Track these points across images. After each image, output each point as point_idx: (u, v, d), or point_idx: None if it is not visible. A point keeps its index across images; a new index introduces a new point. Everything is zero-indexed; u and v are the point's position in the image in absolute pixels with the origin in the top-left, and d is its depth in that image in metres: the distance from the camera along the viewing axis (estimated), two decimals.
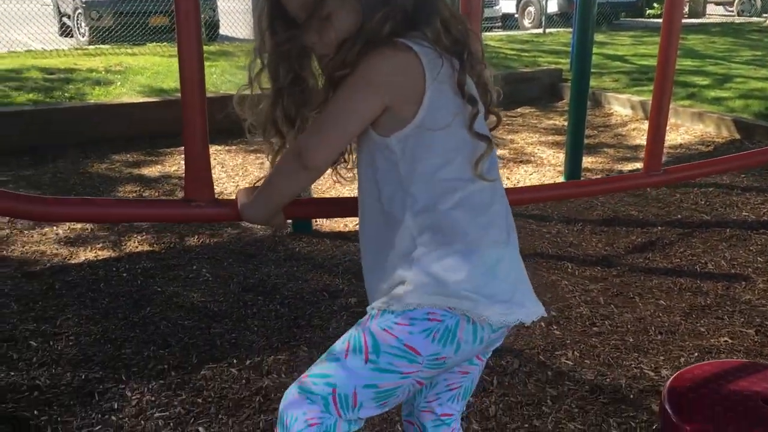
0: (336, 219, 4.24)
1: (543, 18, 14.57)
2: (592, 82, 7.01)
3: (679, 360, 2.79)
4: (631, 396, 2.54)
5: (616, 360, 2.78)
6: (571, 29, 10.16)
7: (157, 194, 4.81)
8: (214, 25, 11.23)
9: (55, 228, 4.07)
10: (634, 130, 6.74)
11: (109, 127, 5.94)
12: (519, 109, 7.70)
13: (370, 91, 1.32)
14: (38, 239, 3.91)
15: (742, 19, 18.57)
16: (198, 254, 3.76)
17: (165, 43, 9.77)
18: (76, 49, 9.76)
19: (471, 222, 1.36)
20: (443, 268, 1.33)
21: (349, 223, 4.14)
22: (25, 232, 4.01)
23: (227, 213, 1.56)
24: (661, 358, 2.80)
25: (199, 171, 1.53)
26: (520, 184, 5.13)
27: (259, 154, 5.43)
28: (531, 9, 16.69)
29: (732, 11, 20.47)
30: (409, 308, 1.33)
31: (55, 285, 3.35)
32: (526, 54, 10.12)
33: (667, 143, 5.86)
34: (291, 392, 1.40)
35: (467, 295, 1.32)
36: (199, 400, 2.47)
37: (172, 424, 2.35)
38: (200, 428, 2.33)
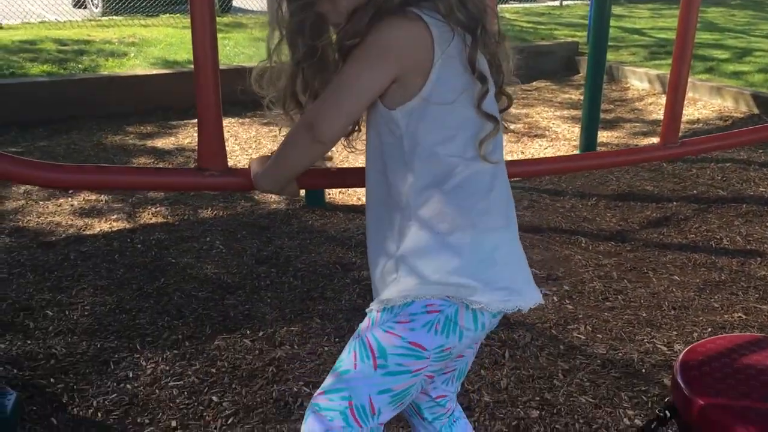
0: (349, 192, 4.24)
1: None
2: (609, 56, 6.92)
3: (692, 335, 2.78)
4: (643, 370, 2.54)
5: (628, 334, 2.78)
6: (588, 2, 10.01)
7: (170, 166, 4.82)
8: None
9: (70, 199, 4.10)
10: (651, 104, 6.66)
11: (123, 99, 5.94)
12: (534, 83, 7.62)
13: (379, 61, 1.29)
14: (53, 210, 3.94)
15: None
16: (211, 226, 3.78)
17: (178, 15, 9.73)
18: (90, 20, 9.74)
19: (470, 206, 1.33)
20: (439, 254, 1.31)
21: (362, 197, 4.13)
22: (41, 203, 4.04)
23: (240, 182, 1.56)
24: (674, 333, 2.79)
25: (212, 140, 1.52)
26: None
27: (272, 127, 5.42)
28: None
29: None
30: (406, 302, 1.31)
31: (71, 255, 3.38)
32: (543, 27, 10.00)
33: (684, 118, 5.79)
34: (309, 414, 1.39)
35: (465, 282, 1.29)
36: (213, 370, 2.50)
37: (186, 393, 2.37)
38: (214, 397, 2.35)
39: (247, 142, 5.30)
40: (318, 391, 1.40)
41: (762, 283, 3.20)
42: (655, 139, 4.83)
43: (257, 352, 2.62)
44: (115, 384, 2.42)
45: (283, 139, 1.40)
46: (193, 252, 3.45)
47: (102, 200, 4.10)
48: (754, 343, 1.56)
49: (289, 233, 3.70)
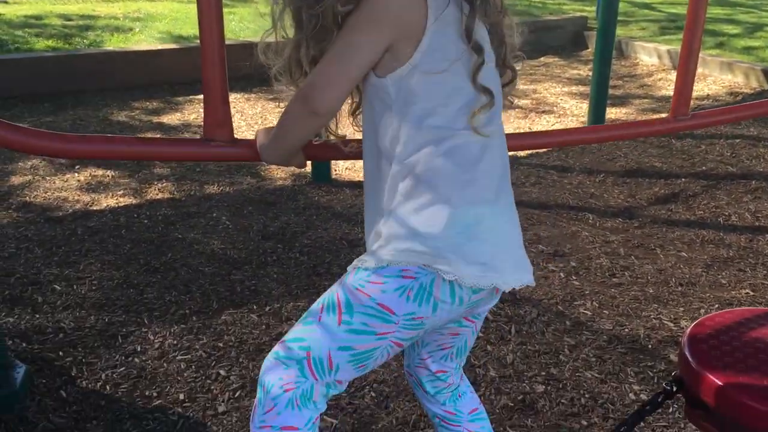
0: (355, 168, 4.23)
1: None
2: (619, 31, 6.86)
3: (699, 311, 2.77)
4: (650, 346, 2.54)
5: (635, 310, 2.77)
6: None
7: None
8: None
9: (76, 175, 4.10)
10: (660, 80, 6.60)
11: (129, 74, 5.92)
12: (542, 59, 7.56)
13: (373, 28, 1.27)
14: (60, 186, 3.95)
15: None
16: (218, 202, 3.77)
17: None
18: None
19: (454, 176, 1.29)
20: (419, 222, 1.28)
21: None
22: (47, 178, 4.05)
23: (246, 153, 1.55)
24: (681, 309, 2.79)
25: (218, 110, 1.51)
26: None
27: (279, 102, 5.40)
28: None
29: None
30: (381, 265, 1.29)
31: (78, 230, 3.39)
32: (551, 1, 9.89)
33: (693, 94, 5.74)
34: (268, 358, 1.36)
35: (440, 252, 1.26)
36: (220, 344, 2.51)
37: (193, 366, 2.39)
38: (221, 371, 2.37)
39: (254, 118, 5.29)
40: (282, 338, 1.38)
41: None
42: (665, 115, 4.80)
43: (264, 326, 2.63)
44: (123, 357, 2.44)
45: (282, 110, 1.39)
46: (199, 227, 3.46)
47: (108, 176, 4.10)
48: (762, 316, 1.55)
49: (296, 209, 3.70)
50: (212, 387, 2.29)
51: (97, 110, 5.36)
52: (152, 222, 3.51)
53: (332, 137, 1.52)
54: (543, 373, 2.38)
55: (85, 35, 6.64)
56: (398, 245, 1.29)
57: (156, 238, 3.32)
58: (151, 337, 2.55)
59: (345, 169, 4.28)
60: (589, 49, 7.66)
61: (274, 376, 1.33)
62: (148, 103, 5.61)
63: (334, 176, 4.14)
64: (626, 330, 2.64)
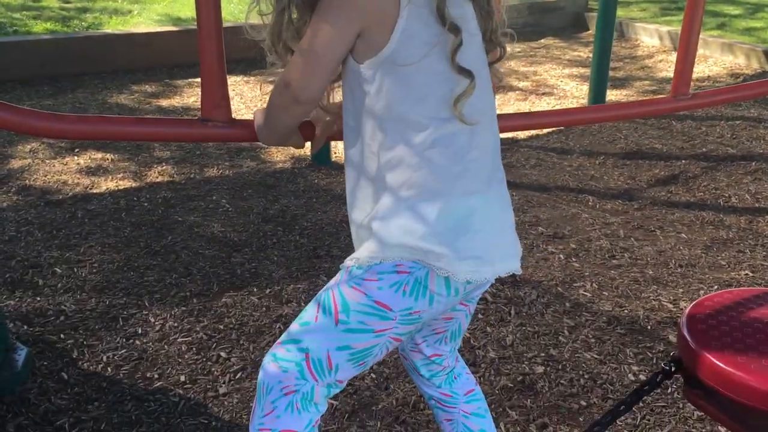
0: None
1: None
2: (619, 12, 6.82)
3: (698, 293, 2.78)
4: (649, 327, 2.55)
5: (634, 292, 2.78)
6: None
7: None
8: None
9: (76, 158, 4.09)
10: (661, 61, 6.56)
11: (127, 57, 5.89)
12: (542, 40, 7.52)
13: (338, 15, 1.23)
14: (60, 169, 3.94)
15: None
16: (218, 185, 3.77)
17: None
18: None
19: (443, 169, 1.26)
20: (410, 218, 1.25)
21: None
22: (47, 161, 4.04)
23: (244, 134, 1.54)
24: (680, 290, 2.80)
25: (215, 90, 1.51)
26: None
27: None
28: None
29: None
30: (375, 262, 1.26)
31: (78, 213, 3.39)
32: None
33: (694, 75, 5.71)
34: (266, 361, 1.34)
35: (433, 248, 1.24)
36: (221, 327, 2.52)
37: (194, 348, 2.40)
38: (222, 353, 2.38)
39: (253, 101, 5.27)
40: (278, 340, 1.37)
41: None
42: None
43: (264, 309, 2.63)
44: (124, 340, 2.45)
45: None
46: (199, 210, 3.46)
47: (108, 159, 4.09)
48: (760, 296, 1.56)
49: (296, 192, 3.70)
50: (213, 369, 2.30)
51: (96, 93, 5.34)
52: (152, 205, 3.51)
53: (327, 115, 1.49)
54: (542, 354, 2.39)
55: (83, 18, 6.60)
56: (390, 241, 1.26)
57: (156, 221, 3.33)
58: (152, 320, 2.56)
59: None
60: (590, 31, 7.61)
61: (273, 380, 1.31)
62: (147, 86, 5.59)
63: (333, 159, 4.13)
64: (626, 311, 2.65)
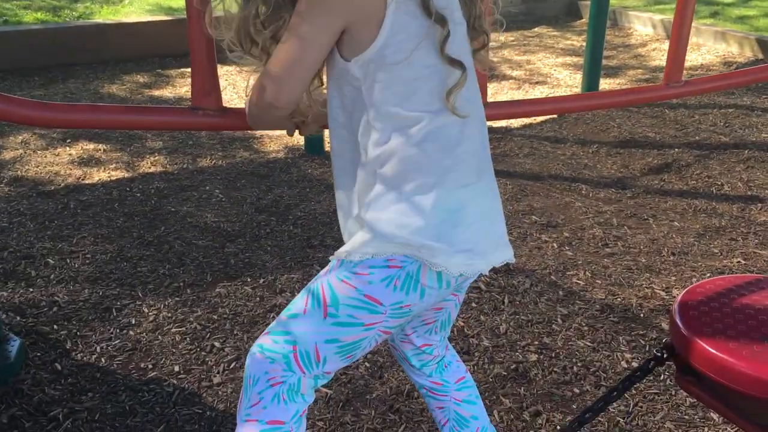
0: None
1: None
2: (612, 0, 6.80)
3: (690, 280, 2.79)
4: (641, 315, 2.56)
5: (627, 280, 2.79)
6: None
7: None
8: None
9: (68, 149, 4.07)
10: (654, 50, 6.56)
11: (119, 47, 5.86)
12: (536, 29, 7.51)
13: (321, 11, 1.19)
14: (52, 160, 3.92)
15: None
16: (211, 175, 3.76)
17: None
18: None
19: (433, 162, 1.24)
20: (401, 212, 1.24)
21: None
22: (39, 152, 4.02)
23: (235, 122, 1.53)
24: (673, 278, 2.81)
25: (205, 78, 1.50)
26: None
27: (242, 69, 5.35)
28: None
29: None
30: (367, 257, 1.25)
31: (70, 204, 3.38)
32: None
33: (687, 63, 5.71)
34: (253, 352, 1.33)
35: (426, 243, 1.23)
36: (215, 317, 2.52)
37: (188, 339, 2.40)
38: (216, 343, 2.38)
39: (245, 90, 5.24)
40: (266, 330, 1.35)
41: (762, 229, 3.20)
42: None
43: (258, 299, 2.63)
44: (117, 330, 2.44)
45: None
46: (192, 201, 3.45)
47: (100, 149, 4.07)
48: (752, 283, 1.56)
49: (289, 182, 3.69)
50: (207, 359, 2.30)
51: (88, 83, 5.31)
52: (145, 195, 3.50)
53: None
54: (536, 343, 2.40)
55: (74, 7, 6.55)
56: (382, 236, 1.25)
57: (149, 212, 3.32)
58: (146, 310, 2.56)
59: None
60: (583, 19, 7.60)
61: (260, 371, 1.30)
62: (139, 76, 5.56)
63: (327, 148, 4.12)
64: (618, 299, 2.66)
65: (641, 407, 2.11)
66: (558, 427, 2.01)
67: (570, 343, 2.40)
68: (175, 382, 2.19)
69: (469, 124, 1.29)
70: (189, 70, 1.77)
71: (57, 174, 3.75)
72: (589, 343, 2.40)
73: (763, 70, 2.52)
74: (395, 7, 1.19)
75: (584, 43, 5.32)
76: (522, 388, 2.19)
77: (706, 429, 2.02)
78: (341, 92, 1.29)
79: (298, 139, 4.10)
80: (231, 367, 2.26)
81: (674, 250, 3.02)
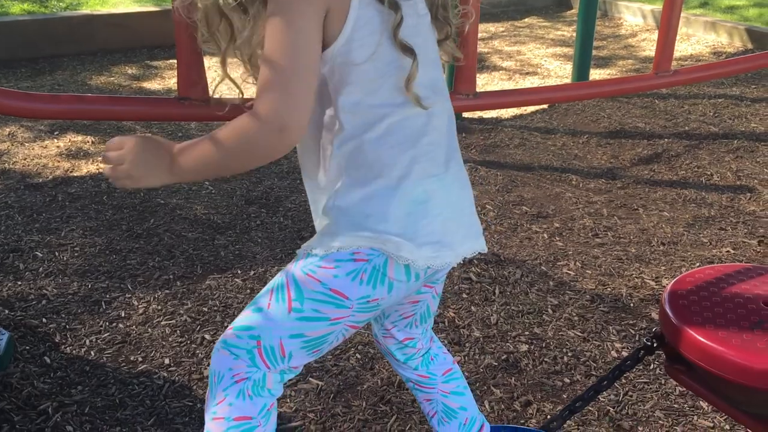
0: None
1: None
2: None
3: (680, 270, 2.80)
4: (631, 305, 2.57)
5: (617, 270, 2.80)
6: None
7: None
8: None
9: (56, 141, 4.04)
10: (644, 40, 6.57)
11: (107, 38, 5.81)
12: (526, 19, 7.49)
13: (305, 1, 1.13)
14: (39, 152, 3.89)
15: None
16: None
17: None
18: None
19: (398, 155, 1.22)
20: (367, 206, 1.22)
21: None
22: (26, 144, 3.99)
23: (221, 112, 1.51)
24: (663, 268, 2.81)
25: (191, 69, 1.48)
26: None
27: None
28: None
29: None
30: (332, 251, 1.23)
31: (59, 197, 3.35)
32: None
33: (677, 54, 5.71)
34: (217, 348, 1.30)
35: (390, 237, 1.21)
36: (205, 309, 2.51)
37: (178, 331, 2.39)
38: (206, 335, 2.37)
39: (236, 81, 5.21)
40: (230, 325, 1.31)
41: (751, 218, 3.22)
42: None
43: (249, 291, 2.62)
44: (107, 323, 2.43)
45: (226, 134, 1.17)
46: (182, 193, 3.43)
47: (88, 141, 4.04)
48: (741, 272, 1.57)
49: (279, 173, 3.68)
50: (197, 351, 2.29)
51: (75, 75, 5.27)
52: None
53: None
54: (526, 333, 2.41)
55: None
56: (347, 229, 1.23)
57: (138, 204, 3.30)
58: (135, 303, 2.54)
59: None
60: (573, 10, 7.60)
61: (224, 365, 1.27)
62: (127, 68, 5.52)
63: None
64: (608, 289, 2.66)
65: (631, 396, 2.12)
66: (548, 417, 2.01)
67: (560, 333, 2.41)
68: (165, 374, 2.19)
69: (435, 115, 1.28)
70: None
71: (45, 166, 3.72)
72: (579, 333, 2.41)
73: (751, 59, 2.52)
74: (359, 1, 1.17)
75: (574, 34, 5.31)
76: (513, 378, 2.19)
77: (695, 417, 2.03)
78: None
79: None
80: None
81: (664, 240, 3.03)
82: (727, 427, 1.99)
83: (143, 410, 2.04)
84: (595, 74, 5.43)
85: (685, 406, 2.07)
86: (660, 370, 2.21)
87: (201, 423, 1.99)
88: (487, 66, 5.76)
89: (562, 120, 4.50)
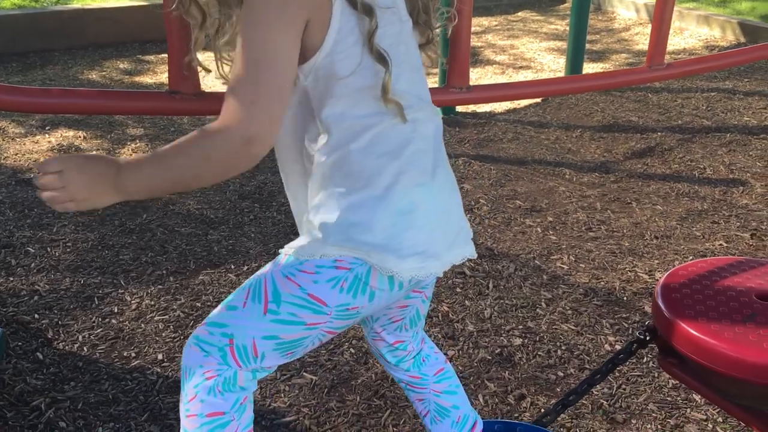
0: None
1: None
2: None
3: (673, 263, 2.81)
4: (625, 298, 2.57)
5: (610, 264, 2.80)
6: None
7: None
8: None
9: (47, 136, 4.02)
10: (637, 34, 6.57)
11: (98, 32, 5.78)
12: (519, 13, 7.49)
13: (284, 7, 1.09)
14: (31, 148, 3.87)
15: None
16: None
17: None
18: None
19: (385, 164, 1.20)
20: (352, 216, 1.19)
21: None
22: (18, 140, 3.96)
23: (213, 106, 1.51)
24: (656, 261, 2.82)
25: (182, 62, 1.47)
26: None
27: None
28: None
29: None
30: (315, 258, 1.20)
31: None
32: None
33: (670, 47, 5.72)
34: (188, 343, 1.27)
35: (375, 248, 1.19)
36: (198, 304, 2.50)
37: (172, 327, 2.38)
38: None
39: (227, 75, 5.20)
40: (203, 321, 1.29)
41: (743, 212, 3.23)
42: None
43: None
44: (100, 319, 2.42)
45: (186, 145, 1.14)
46: None
47: (80, 136, 4.02)
48: (734, 265, 1.57)
49: (272, 168, 3.67)
50: None
51: (67, 69, 5.24)
52: None
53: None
54: (520, 327, 2.41)
55: None
56: (330, 238, 1.20)
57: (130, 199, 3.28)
58: (128, 298, 2.54)
59: None
60: (567, 4, 7.60)
61: (195, 362, 1.25)
62: (119, 62, 5.49)
63: None
64: (602, 283, 2.67)
65: (624, 389, 2.12)
66: (542, 410, 2.02)
67: (554, 326, 2.41)
68: (158, 370, 2.18)
69: (421, 122, 1.26)
70: None
71: (36, 161, 3.70)
72: (572, 327, 2.41)
73: (744, 53, 2.53)
74: (341, 7, 1.14)
75: (567, 28, 5.31)
76: (506, 372, 2.19)
77: (688, 410, 2.03)
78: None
79: None
80: None
81: (657, 234, 3.03)
82: (720, 419, 1.99)
83: (137, 406, 2.03)
84: (589, 68, 5.43)
85: (678, 399, 2.08)
86: (653, 363, 2.21)
87: None
88: (480, 60, 5.76)
89: (555, 114, 4.50)
